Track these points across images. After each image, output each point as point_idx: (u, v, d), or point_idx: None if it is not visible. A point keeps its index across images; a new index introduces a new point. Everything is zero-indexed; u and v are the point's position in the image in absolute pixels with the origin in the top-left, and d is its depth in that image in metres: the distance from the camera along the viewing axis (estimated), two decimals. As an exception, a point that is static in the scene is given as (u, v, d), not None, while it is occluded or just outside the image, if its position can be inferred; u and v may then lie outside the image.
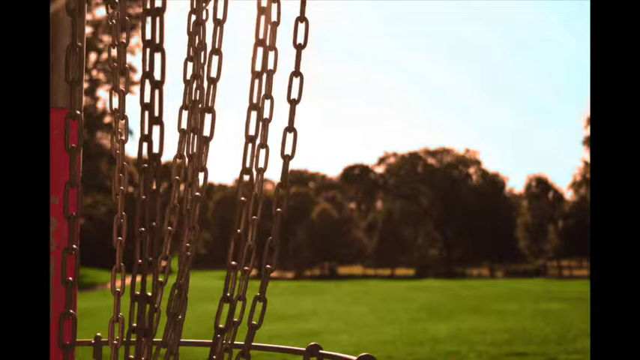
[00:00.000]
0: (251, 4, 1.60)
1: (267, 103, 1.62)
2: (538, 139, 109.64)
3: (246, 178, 1.60)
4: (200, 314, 13.91)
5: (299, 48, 1.61)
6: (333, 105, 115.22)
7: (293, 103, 1.62)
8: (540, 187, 65.82)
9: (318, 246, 62.76)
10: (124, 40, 1.72)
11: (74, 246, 1.46)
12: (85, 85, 2.69)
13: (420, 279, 54.14)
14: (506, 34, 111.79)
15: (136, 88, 1.64)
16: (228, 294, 1.56)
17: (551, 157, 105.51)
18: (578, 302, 20.24)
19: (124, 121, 1.75)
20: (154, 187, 1.50)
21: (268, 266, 1.60)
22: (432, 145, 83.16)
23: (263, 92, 1.61)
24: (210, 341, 1.58)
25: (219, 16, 1.60)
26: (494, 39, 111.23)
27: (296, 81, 1.61)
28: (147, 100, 1.44)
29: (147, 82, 1.44)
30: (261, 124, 1.60)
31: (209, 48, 1.61)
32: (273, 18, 1.60)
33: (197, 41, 1.60)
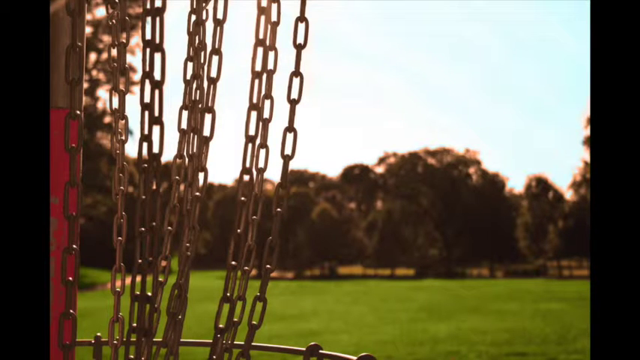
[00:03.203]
0: (251, 4, 1.60)
1: (267, 103, 1.62)
2: (538, 139, 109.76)
3: (246, 178, 1.60)
4: (200, 314, 13.91)
5: (299, 48, 1.61)
6: (333, 105, 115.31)
7: (293, 103, 1.62)
8: (540, 187, 65.75)
9: (318, 246, 62.77)
10: (124, 40, 1.72)
11: (74, 246, 1.45)
12: (85, 85, 2.69)
13: (420, 279, 54.13)
14: (506, 34, 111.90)
15: (136, 88, 1.63)
16: (228, 294, 1.56)
17: (551, 157, 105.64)
18: (578, 302, 20.25)
19: (124, 121, 1.75)
20: (154, 187, 1.50)
21: (268, 266, 1.60)
22: (432, 145, 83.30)
23: (263, 92, 1.61)
24: (210, 341, 1.57)
25: (219, 16, 1.60)
26: (494, 39, 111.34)
27: (296, 81, 1.61)
28: (147, 100, 1.44)
29: (147, 82, 1.44)
30: (261, 124, 1.60)
31: (209, 48, 1.60)
32: (273, 18, 1.60)
33: (197, 41, 1.60)
